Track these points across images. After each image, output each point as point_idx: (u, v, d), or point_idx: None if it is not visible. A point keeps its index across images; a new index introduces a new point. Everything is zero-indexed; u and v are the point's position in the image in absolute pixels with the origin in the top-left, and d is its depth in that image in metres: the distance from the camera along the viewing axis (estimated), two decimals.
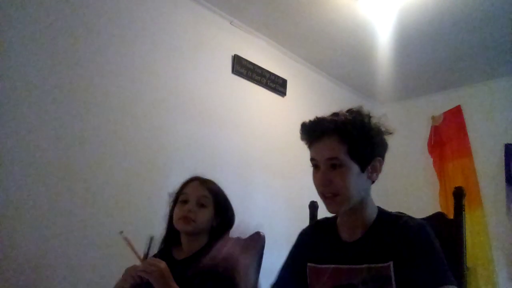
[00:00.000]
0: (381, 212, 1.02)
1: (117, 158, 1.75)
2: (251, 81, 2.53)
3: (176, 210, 1.22)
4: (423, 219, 1.13)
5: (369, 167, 0.96)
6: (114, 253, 1.59)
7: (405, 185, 3.50)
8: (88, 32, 1.73)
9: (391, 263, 0.89)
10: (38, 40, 1.56)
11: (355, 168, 0.94)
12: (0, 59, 1.46)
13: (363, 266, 0.92)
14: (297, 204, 2.32)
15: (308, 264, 1.04)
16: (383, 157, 1.00)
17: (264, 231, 1.41)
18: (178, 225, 1.21)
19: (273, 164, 2.60)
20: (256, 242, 1.38)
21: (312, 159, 0.98)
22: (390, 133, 1.00)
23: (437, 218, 1.15)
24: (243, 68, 2.47)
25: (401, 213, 1.01)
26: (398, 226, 0.94)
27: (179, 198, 1.24)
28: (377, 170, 0.98)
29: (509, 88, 3.17)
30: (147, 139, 1.89)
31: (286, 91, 2.78)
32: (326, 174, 0.94)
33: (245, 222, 2.27)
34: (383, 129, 0.98)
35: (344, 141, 0.92)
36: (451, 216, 1.14)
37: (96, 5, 1.78)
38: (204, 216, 1.21)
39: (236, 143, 2.36)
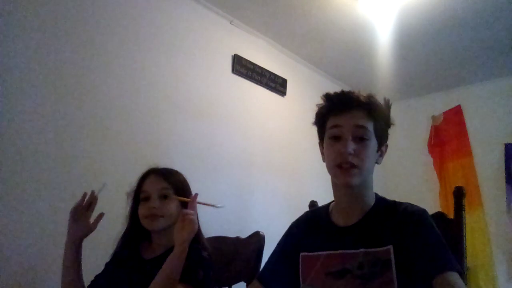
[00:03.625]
0: (379, 198, 1.02)
1: (117, 157, 1.75)
2: (251, 81, 2.53)
3: (140, 209, 1.18)
4: None
5: (382, 148, 1.00)
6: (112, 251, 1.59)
7: (405, 185, 3.51)
8: (88, 32, 1.73)
9: (391, 247, 0.88)
10: (38, 39, 1.56)
11: (375, 145, 0.96)
12: (2, 58, 1.46)
13: (359, 250, 0.91)
14: (297, 204, 2.32)
15: (301, 253, 1.02)
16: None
17: (264, 231, 1.42)
18: (146, 224, 1.17)
19: (273, 164, 2.60)
20: (256, 241, 1.38)
21: (335, 126, 0.96)
22: (393, 124, 1.04)
23: (437, 217, 1.15)
24: (243, 68, 2.47)
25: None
26: (398, 212, 0.94)
27: (140, 196, 1.20)
28: (383, 155, 1.01)
29: (509, 88, 3.18)
30: (147, 138, 1.88)
31: (286, 91, 2.77)
32: (352, 144, 0.92)
33: (245, 221, 2.27)
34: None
35: (371, 116, 0.96)
36: (451, 216, 1.14)
37: (96, 5, 1.78)
38: (171, 208, 1.17)
39: (236, 142, 2.36)
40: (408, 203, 0.98)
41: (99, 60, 1.75)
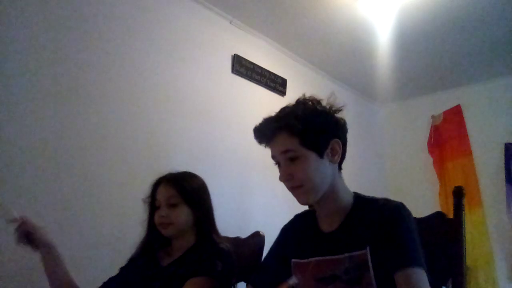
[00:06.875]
0: (358, 197, 1.01)
1: (117, 157, 1.74)
2: (251, 81, 2.53)
3: (155, 217, 1.21)
4: (422, 218, 1.14)
5: (327, 151, 0.96)
6: (112, 252, 1.59)
7: (405, 185, 3.51)
8: (88, 32, 1.73)
9: (367, 249, 0.88)
10: (37, 39, 1.56)
11: (312, 156, 0.95)
12: (1, 59, 1.46)
13: (344, 255, 0.91)
14: (297, 204, 2.32)
15: (292, 260, 1.03)
16: (340, 137, 0.99)
17: (264, 231, 1.42)
18: (160, 231, 1.21)
19: (273, 164, 2.59)
20: (256, 241, 1.38)
21: (272, 157, 1.02)
22: (340, 110, 1.01)
23: (437, 217, 1.15)
24: (243, 68, 2.47)
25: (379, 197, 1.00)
26: (374, 210, 0.93)
27: (154, 203, 1.23)
28: (337, 152, 0.98)
29: (509, 88, 3.18)
30: (146, 138, 1.88)
31: (286, 91, 2.77)
32: (286, 168, 0.96)
33: (245, 221, 2.27)
34: (332, 109, 1.00)
35: (294, 135, 0.94)
36: (451, 216, 1.14)
37: (96, 5, 1.78)
38: (179, 216, 1.19)
39: (236, 142, 2.36)
40: (384, 198, 0.96)
41: (98, 60, 1.75)
